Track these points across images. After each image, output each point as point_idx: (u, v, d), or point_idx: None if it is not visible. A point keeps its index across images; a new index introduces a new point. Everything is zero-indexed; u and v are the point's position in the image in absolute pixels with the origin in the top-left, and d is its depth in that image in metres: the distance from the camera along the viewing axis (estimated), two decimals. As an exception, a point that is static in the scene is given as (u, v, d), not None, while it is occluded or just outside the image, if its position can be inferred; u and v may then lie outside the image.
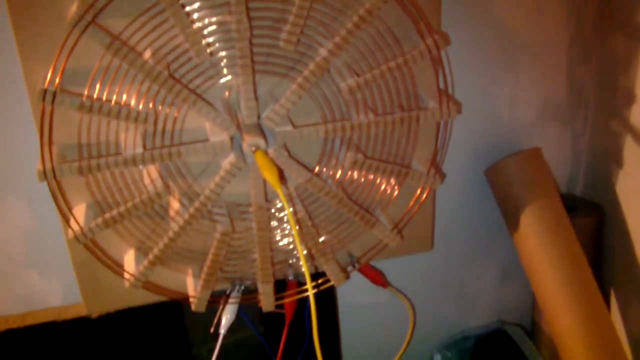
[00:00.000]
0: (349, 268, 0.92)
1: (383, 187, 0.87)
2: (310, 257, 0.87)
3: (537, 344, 1.19)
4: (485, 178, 1.09)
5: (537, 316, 1.23)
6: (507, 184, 1.04)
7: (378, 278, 1.00)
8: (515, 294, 1.27)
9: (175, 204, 0.80)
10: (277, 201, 0.83)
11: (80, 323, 0.94)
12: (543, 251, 1.02)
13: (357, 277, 1.00)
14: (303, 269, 0.90)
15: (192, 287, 0.86)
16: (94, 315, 0.93)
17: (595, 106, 1.14)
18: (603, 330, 1.01)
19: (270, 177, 0.69)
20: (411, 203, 0.90)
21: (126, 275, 0.82)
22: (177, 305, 0.97)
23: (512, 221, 1.05)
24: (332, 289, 1.07)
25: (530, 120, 1.12)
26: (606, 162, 1.13)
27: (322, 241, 0.86)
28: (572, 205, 1.12)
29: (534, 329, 1.25)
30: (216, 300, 0.89)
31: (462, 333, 1.22)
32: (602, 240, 1.15)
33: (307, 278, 0.71)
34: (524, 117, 1.11)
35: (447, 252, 1.17)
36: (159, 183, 0.76)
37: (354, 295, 1.12)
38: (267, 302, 0.88)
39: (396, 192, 0.87)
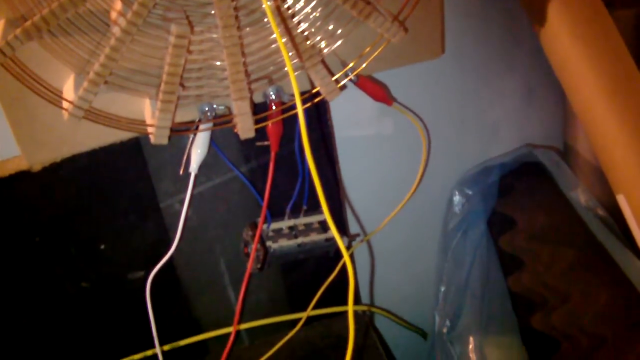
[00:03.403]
0: (342, 77, 0.84)
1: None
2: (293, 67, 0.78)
3: (574, 172, 1.12)
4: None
5: (570, 139, 1.17)
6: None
7: (380, 92, 0.92)
8: (543, 116, 1.21)
9: (117, 4, 0.70)
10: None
11: (21, 179, 0.86)
12: (579, 46, 0.93)
13: (356, 101, 0.95)
14: (284, 83, 0.82)
15: (150, 113, 0.77)
16: (36, 167, 0.85)
17: None
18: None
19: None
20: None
21: (64, 104, 0.74)
22: (136, 148, 0.89)
23: (537, 15, 0.96)
24: (326, 120, 0.99)
25: None
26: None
27: (305, 36, 0.77)
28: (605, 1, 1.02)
29: (567, 155, 1.18)
30: (182, 130, 0.81)
31: (484, 164, 1.15)
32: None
33: (292, 79, 0.63)
34: None
35: (460, 67, 1.09)
36: (89, -26, 0.66)
37: (354, 124, 1.05)
38: (244, 125, 0.79)
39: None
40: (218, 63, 0.76)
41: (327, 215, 0.63)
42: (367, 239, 1.14)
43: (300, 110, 0.62)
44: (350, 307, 0.67)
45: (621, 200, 0.95)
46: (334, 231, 0.63)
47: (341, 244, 0.64)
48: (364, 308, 1.23)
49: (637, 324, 0.91)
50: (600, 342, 0.94)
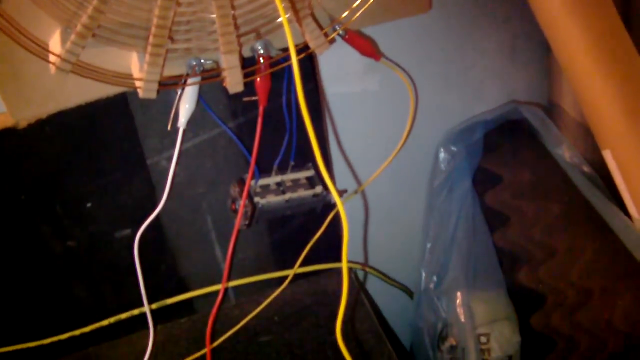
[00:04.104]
0: (331, 31, 0.84)
1: None
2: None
3: (558, 128, 1.14)
4: None
5: (555, 96, 1.18)
6: None
7: (368, 46, 0.92)
8: (527, 73, 1.22)
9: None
10: None
11: (6, 136, 0.86)
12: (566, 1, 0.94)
13: (343, 56, 0.96)
14: (272, 37, 0.82)
15: (137, 67, 0.78)
16: (22, 124, 0.85)
17: None
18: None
19: None
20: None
21: (51, 58, 0.74)
22: (123, 105, 0.89)
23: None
24: (314, 75, 0.99)
25: None
26: None
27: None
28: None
29: (552, 112, 1.20)
30: (170, 84, 0.81)
31: (469, 121, 1.16)
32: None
33: (287, 29, 0.63)
34: None
35: (445, 23, 1.10)
36: None
37: (341, 79, 1.06)
38: (233, 79, 0.80)
39: None
40: (208, 16, 0.76)
41: (321, 166, 0.64)
42: (356, 194, 1.15)
43: (294, 60, 0.62)
44: (344, 262, 0.68)
45: (607, 155, 0.97)
46: (328, 182, 0.65)
47: (335, 194, 0.65)
48: (357, 266, 1.24)
49: (623, 276, 0.93)
50: (586, 294, 0.96)
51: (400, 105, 1.07)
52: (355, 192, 1.14)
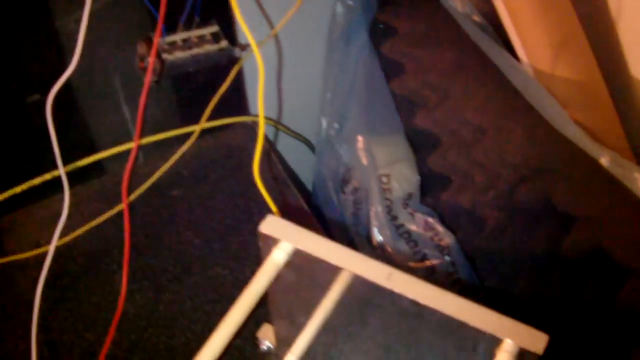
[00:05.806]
0: None
1: None
2: None
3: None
4: None
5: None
6: None
7: None
8: None
9: None
10: None
11: None
12: None
13: None
14: None
15: None
16: None
17: None
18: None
19: None
20: None
21: None
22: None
23: None
24: None
25: None
26: None
27: None
28: None
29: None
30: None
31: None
32: None
33: None
34: None
35: None
36: None
37: None
38: None
39: None
40: None
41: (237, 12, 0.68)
42: (257, 47, 1.19)
43: None
44: (261, 114, 0.74)
45: (497, 1, 1.03)
46: (243, 27, 0.69)
47: (251, 38, 0.71)
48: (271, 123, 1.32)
49: (514, 114, 1.00)
50: (480, 132, 1.04)
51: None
52: (257, 45, 1.19)
